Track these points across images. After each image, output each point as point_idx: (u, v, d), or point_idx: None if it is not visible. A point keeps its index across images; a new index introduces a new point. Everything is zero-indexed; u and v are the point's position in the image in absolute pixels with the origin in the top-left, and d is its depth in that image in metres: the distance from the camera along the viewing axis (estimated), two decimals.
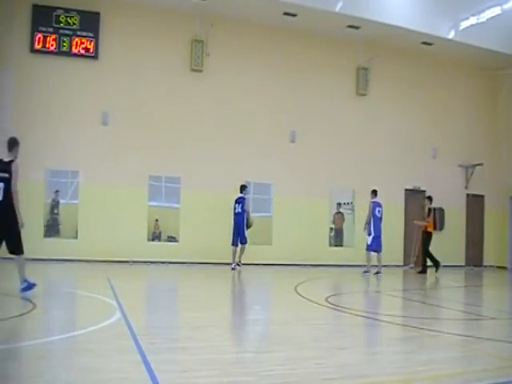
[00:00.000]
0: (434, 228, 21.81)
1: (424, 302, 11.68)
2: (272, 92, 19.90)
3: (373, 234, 17.32)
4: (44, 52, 17.41)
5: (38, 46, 17.33)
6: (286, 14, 18.88)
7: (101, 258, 17.00)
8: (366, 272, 17.12)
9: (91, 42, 17.79)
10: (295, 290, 12.00)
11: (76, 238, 17.70)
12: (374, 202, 17.62)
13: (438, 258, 18.68)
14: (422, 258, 18.97)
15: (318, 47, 20.51)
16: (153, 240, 18.66)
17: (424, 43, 20.91)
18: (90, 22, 17.76)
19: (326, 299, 10.31)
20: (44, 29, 17.34)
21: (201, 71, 19.04)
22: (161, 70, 18.63)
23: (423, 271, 18.58)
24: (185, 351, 5.91)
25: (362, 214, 19.17)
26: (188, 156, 18.72)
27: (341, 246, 21.00)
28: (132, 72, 18.33)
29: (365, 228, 17.63)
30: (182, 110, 18.81)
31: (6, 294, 9.74)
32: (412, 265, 21.17)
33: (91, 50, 17.81)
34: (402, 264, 21.46)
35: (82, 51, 17.75)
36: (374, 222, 17.41)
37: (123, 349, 5.82)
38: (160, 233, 19.12)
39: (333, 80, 20.83)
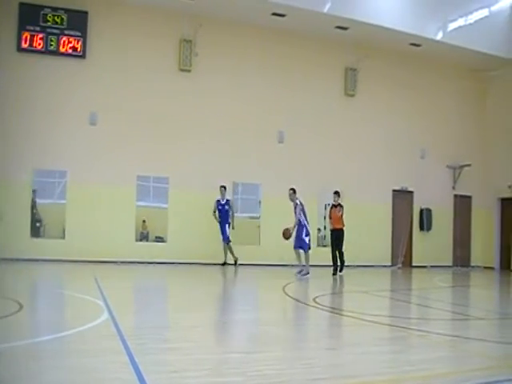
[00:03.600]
0: (421, 229, 21.96)
1: (412, 302, 11.72)
2: (260, 92, 19.91)
3: (310, 234, 15.94)
4: (31, 51, 17.29)
5: (24, 45, 17.21)
6: (274, 14, 18.90)
7: (88, 259, 16.92)
8: (306, 274, 15.52)
9: (79, 41, 17.70)
10: (283, 290, 12.01)
11: (63, 238, 17.61)
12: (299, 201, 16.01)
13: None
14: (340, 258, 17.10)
15: (307, 48, 20.54)
16: (140, 240, 18.61)
17: (412, 44, 20.99)
18: (78, 21, 17.67)
19: (314, 299, 10.31)
20: (31, 28, 17.23)
21: (189, 71, 19.02)
22: (149, 70, 18.57)
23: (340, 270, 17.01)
24: (173, 352, 5.88)
25: (350, 214, 19.24)
26: (176, 156, 18.69)
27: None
28: (120, 72, 18.27)
29: (294, 228, 15.66)
30: (171, 109, 18.77)
31: None
32: (400, 265, 21.26)
33: (79, 50, 17.72)
34: (389, 264, 21.53)
35: (70, 50, 17.66)
36: (307, 221, 15.87)
37: (111, 349, 5.79)
38: (148, 233, 19.06)
39: (321, 80, 20.87)
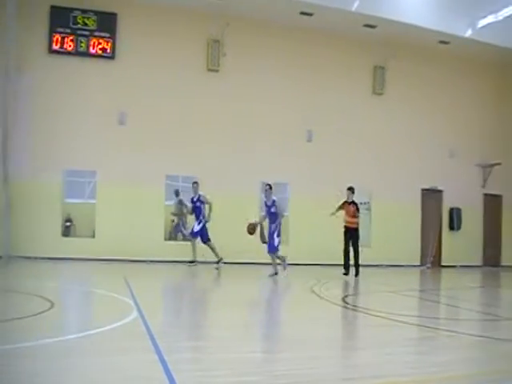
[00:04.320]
0: (451, 228, 21.74)
1: (440, 303, 11.64)
2: (288, 92, 19.91)
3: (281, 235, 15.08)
4: (62, 53, 17.57)
5: (55, 47, 17.49)
6: (302, 13, 18.89)
7: (118, 257, 17.10)
8: (274, 274, 14.92)
9: (108, 42, 17.91)
10: (312, 289, 12.00)
11: (93, 237, 17.84)
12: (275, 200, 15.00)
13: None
14: (355, 260, 15.95)
15: (335, 46, 20.48)
16: (169, 239, 18.74)
17: (441, 42, 20.83)
18: (107, 23, 17.89)
19: (343, 299, 10.31)
20: (62, 30, 17.50)
21: (217, 71, 19.11)
22: (177, 70, 18.69)
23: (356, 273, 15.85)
24: (202, 350, 5.94)
25: (379, 213, 19.19)
26: (205, 156, 18.77)
27: None
28: (149, 72, 18.42)
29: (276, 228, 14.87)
30: (199, 109, 18.87)
31: (25, 292, 9.83)
32: (429, 265, 21.11)
33: (108, 51, 17.94)
34: (418, 264, 21.38)
35: (100, 51, 17.90)
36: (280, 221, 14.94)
37: (140, 348, 5.86)
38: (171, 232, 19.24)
39: (349, 79, 20.79)
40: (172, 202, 19.34)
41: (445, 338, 7.26)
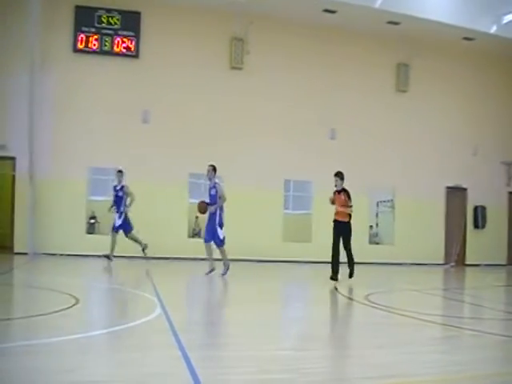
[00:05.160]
0: (475, 226, 21.53)
1: (464, 302, 11.56)
2: (312, 89, 19.88)
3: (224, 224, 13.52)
4: (86, 52, 17.77)
5: (80, 46, 17.68)
6: (325, 10, 18.84)
7: (141, 255, 17.19)
8: (212, 271, 13.52)
9: (132, 41, 18.05)
10: (335, 287, 11.98)
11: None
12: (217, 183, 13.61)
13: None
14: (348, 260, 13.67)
15: (358, 44, 20.40)
16: (193, 237, 18.82)
17: (465, 38, 20.64)
18: (131, 22, 18.03)
19: (366, 297, 10.28)
20: (86, 29, 17.68)
21: (241, 69, 19.16)
22: (201, 68, 18.77)
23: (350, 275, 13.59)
24: (225, 347, 5.97)
25: (402, 211, 19.09)
26: (228, 153, 18.81)
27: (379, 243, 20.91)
28: (172, 70, 18.52)
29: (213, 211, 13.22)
30: (222, 107, 18.93)
31: (50, 288, 9.95)
32: (453, 263, 20.96)
33: (132, 49, 18.09)
34: (442, 262, 21.23)
35: (124, 50, 18.05)
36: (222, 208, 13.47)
37: (164, 344, 5.90)
38: (200, 230, 19.30)
39: (373, 77, 20.70)
40: (194, 200, 19.36)
41: (468, 337, 7.22)
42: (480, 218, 22.04)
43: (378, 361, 5.65)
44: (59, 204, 16.97)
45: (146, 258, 16.15)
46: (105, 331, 6.54)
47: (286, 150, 19.37)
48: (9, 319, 7.24)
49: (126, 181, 15.89)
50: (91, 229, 19.01)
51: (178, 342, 5.94)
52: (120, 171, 16.00)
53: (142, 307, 8.37)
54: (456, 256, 21.29)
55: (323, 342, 6.50)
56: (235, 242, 18.30)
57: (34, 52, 16.58)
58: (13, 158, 17.41)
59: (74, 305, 8.20)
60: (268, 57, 19.44)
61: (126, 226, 15.83)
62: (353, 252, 13.52)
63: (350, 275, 13.37)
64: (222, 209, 13.22)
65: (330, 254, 13.31)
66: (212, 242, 13.35)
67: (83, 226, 17.95)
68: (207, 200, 13.32)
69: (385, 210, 21.90)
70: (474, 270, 18.72)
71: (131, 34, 18.05)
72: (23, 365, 4.91)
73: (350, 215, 13.44)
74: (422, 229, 20.63)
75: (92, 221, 19.28)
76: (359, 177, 19.74)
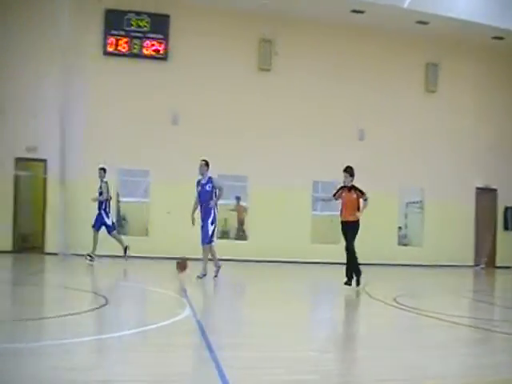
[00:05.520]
0: (506, 228, 21.20)
1: (494, 304, 11.44)
2: (340, 90, 19.80)
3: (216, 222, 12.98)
4: (116, 54, 17.97)
5: (110, 49, 17.89)
6: (353, 11, 18.76)
7: (171, 255, 17.31)
8: (204, 275, 12.74)
9: (161, 43, 18.20)
10: (364, 289, 11.93)
11: (147, 235, 18.15)
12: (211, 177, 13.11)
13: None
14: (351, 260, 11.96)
15: (386, 44, 20.27)
16: (222, 238, 18.90)
17: (495, 38, 20.36)
18: (160, 25, 18.18)
19: (395, 299, 10.23)
20: (116, 32, 17.87)
21: (269, 70, 19.18)
22: (229, 70, 18.84)
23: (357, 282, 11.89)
24: (253, 348, 5.99)
25: (431, 212, 18.94)
26: (256, 154, 18.86)
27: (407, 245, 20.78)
28: (201, 72, 18.62)
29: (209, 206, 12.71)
30: (250, 108, 18.97)
31: (80, 288, 10.08)
32: (483, 265, 20.72)
33: (161, 52, 18.24)
34: (472, 264, 21.00)
35: (153, 53, 18.20)
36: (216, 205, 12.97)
37: (192, 344, 5.96)
38: (229, 231, 19.38)
39: (401, 77, 20.54)
40: (222, 202, 19.46)
41: (500, 340, 7.15)
42: (510, 219, 21.76)
43: (407, 363, 5.63)
44: (89, 205, 17.14)
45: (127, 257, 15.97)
46: (133, 331, 6.62)
47: (314, 151, 19.33)
48: (40, 319, 7.36)
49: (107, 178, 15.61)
50: (120, 229, 19.18)
51: (207, 342, 5.99)
52: (102, 169, 15.56)
53: (171, 308, 8.45)
54: (486, 258, 21.03)
55: (351, 343, 6.50)
56: (263, 242, 18.40)
57: (65, 55, 16.80)
58: (44, 161, 17.68)
59: (103, 305, 8.31)
60: (296, 58, 19.42)
61: (97, 225, 15.37)
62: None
63: (358, 282, 11.75)
64: (216, 205, 12.76)
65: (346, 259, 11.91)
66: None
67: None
68: (199, 197, 12.81)
69: (414, 211, 21.73)
70: (504, 272, 18.47)
71: (160, 36, 18.21)
72: (54, 363, 4.99)
73: (359, 215, 11.80)
74: (451, 230, 20.42)
75: (122, 222, 19.43)
76: (388, 178, 19.68)
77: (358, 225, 11.77)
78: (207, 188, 12.75)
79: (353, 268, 11.69)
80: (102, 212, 15.34)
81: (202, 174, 12.94)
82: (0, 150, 17.10)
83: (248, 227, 19.23)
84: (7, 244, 16.94)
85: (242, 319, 8.18)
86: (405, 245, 20.81)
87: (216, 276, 12.84)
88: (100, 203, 15.34)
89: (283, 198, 18.67)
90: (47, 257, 16.90)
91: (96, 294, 9.31)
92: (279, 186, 18.85)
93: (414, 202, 21.72)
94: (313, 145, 19.33)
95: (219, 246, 18.17)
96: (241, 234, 19.71)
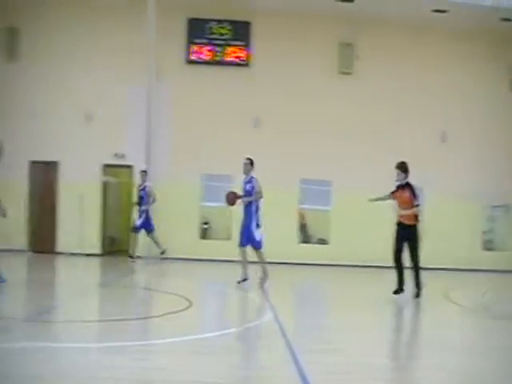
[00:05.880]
0: None
1: None
2: (423, 93, 19.35)
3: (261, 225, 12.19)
4: (199, 62, 18.33)
5: (193, 57, 18.27)
6: (435, 10, 18.37)
7: (253, 260, 17.46)
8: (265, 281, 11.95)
9: (243, 50, 18.43)
10: (447, 295, 11.68)
11: (230, 239, 18.39)
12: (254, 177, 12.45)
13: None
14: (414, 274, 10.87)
15: (470, 44, 19.67)
16: (303, 242, 18.93)
17: None
18: (242, 32, 18.40)
19: (482, 306, 9.97)
20: (198, 40, 18.24)
21: (350, 74, 19.05)
22: (309, 74, 18.81)
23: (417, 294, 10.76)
24: (335, 353, 6.01)
25: None
26: (338, 159, 18.74)
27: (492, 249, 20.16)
28: (282, 77, 18.70)
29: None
30: (332, 112, 18.87)
31: (165, 291, 10.34)
32: None
33: (243, 58, 18.47)
34: None
35: (235, 59, 18.46)
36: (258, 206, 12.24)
37: (274, 348, 6.03)
38: (311, 235, 19.39)
39: (486, 78, 19.88)
40: (305, 206, 19.47)
41: None
42: None
43: (492, 374, 5.49)
44: (174, 210, 17.58)
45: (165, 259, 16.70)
46: (217, 333, 6.76)
47: (396, 154, 18.92)
48: (126, 319, 7.62)
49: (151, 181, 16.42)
50: (204, 233, 19.51)
51: (289, 345, 6.04)
52: (144, 171, 16.55)
53: (253, 311, 8.55)
54: None
55: (433, 351, 6.39)
56: (343, 248, 18.28)
57: (150, 64, 17.29)
58: (131, 167, 18.24)
59: (187, 307, 8.51)
60: (378, 61, 19.16)
61: (146, 226, 16.39)
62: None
63: (417, 295, 10.63)
64: (258, 207, 12.05)
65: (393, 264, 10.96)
66: (248, 247, 12.06)
67: (197, 231, 18.49)
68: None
69: (500, 215, 21.03)
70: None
71: (242, 43, 18.46)
72: (139, 363, 5.18)
73: (416, 217, 10.75)
74: None
75: (205, 226, 19.78)
76: (472, 181, 19.12)
77: (417, 229, 10.65)
78: (247, 187, 12.11)
79: (416, 282, 10.60)
80: (142, 213, 16.31)
81: (246, 173, 12.30)
82: (89, 156, 17.74)
83: (330, 232, 19.08)
84: (96, 247, 17.53)
85: (323, 323, 8.19)
86: (490, 249, 20.12)
87: (261, 283, 11.90)
88: (141, 205, 16.28)
89: (367, 202, 18.43)
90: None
91: (181, 297, 9.53)
92: (363, 189, 18.63)
93: (499, 206, 21.02)
94: (395, 149, 18.86)
95: (301, 250, 18.35)
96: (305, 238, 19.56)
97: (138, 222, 16.48)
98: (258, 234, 11.79)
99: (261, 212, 12.17)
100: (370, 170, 18.77)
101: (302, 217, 19.56)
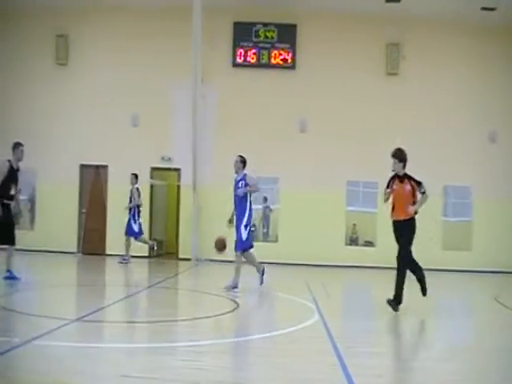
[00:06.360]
0: None
1: None
2: (469, 93, 19.04)
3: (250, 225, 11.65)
4: (245, 65, 18.44)
5: (239, 60, 18.39)
6: (484, 8, 18.03)
7: (299, 262, 17.49)
8: (234, 288, 10.95)
9: (289, 52, 18.46)
10: (496, 299, 11.46)
11: (276, 241, 18.47)
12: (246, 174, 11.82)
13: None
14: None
15: None
16: (350, 244, 18.83)
17: None
18: (288, 34, 18.43)
19: None
20: (244, 44, 18.36)
21: (396, 74, 18.87)
22: (356, 76, 18.69)
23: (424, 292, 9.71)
24: (381, 356, 5.98)
25: None
26: (384, 161, 18.51)
27: None
28: (328, 78, 18.65)
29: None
30: (378, 114, 18.72)
31: (212, 293, 10.42)
32: None
33: (289, 61, 18.49)
34: None
35: (281, 62, 18.50)
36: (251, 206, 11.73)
37: (320, 350, 6.03)
38: (357, 237, 19.27)
39: None
40: (352, 208, 19.33)
41: None
42: None
43: None
44: (216, 212, 17.66)
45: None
46: (264, 335, 6.80)
47: (443, 155, 18.71)
48: (174, 321, 7.73)
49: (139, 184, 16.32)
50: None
51: (335, 348, 6.04)
52: (133, 174, 16.17)
53: (300, 314, 8.56)
54: None
55: (468, 354, 6.29)
56: (389, 250, 18.06)
57: (196, 68, 17.43)
58: (178, 170, 18.46)
59: (234, 309, 8.57)
60: (424, 61, 18.92)
61: (128, 230, 15.93)
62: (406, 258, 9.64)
63: (424, 292, 9.59)
64: (250, 209, 11.54)
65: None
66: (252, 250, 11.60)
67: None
68: (233, 196, 11.70)
69: None
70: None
71: (287, 46, 18.48)
72: (187, 364, 5.25)
73: (416, 211, 9.50)
74: None
75: (252, 228, 19.87)
76: None
77: (414, 224, 9.39)
78: (239, 185, 11.56)
79: (420, 280, 9.60)
80: (131, 218, 15.89)
81: (237, 172, 11.79)
82: (137, 160, 17.98)
83: (376, 234, 18.90)
84: (144, 249, 17.77)
85: (368, 326, 8.13)
86: None
87: (261, 283, 11.48)
88: (129, 209, 15.91)
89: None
90: (181, 262, 17.58)
91: (228, 299, 9.60)
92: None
93: None
94: (441, 150, 18.68)
95: (349, 253, 18.23)
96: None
97: (136, 229, 15.97)
98: (244, 234, 11.23)
99: (252, 213, 11.76)
100: (415, 171, 18.50)
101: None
